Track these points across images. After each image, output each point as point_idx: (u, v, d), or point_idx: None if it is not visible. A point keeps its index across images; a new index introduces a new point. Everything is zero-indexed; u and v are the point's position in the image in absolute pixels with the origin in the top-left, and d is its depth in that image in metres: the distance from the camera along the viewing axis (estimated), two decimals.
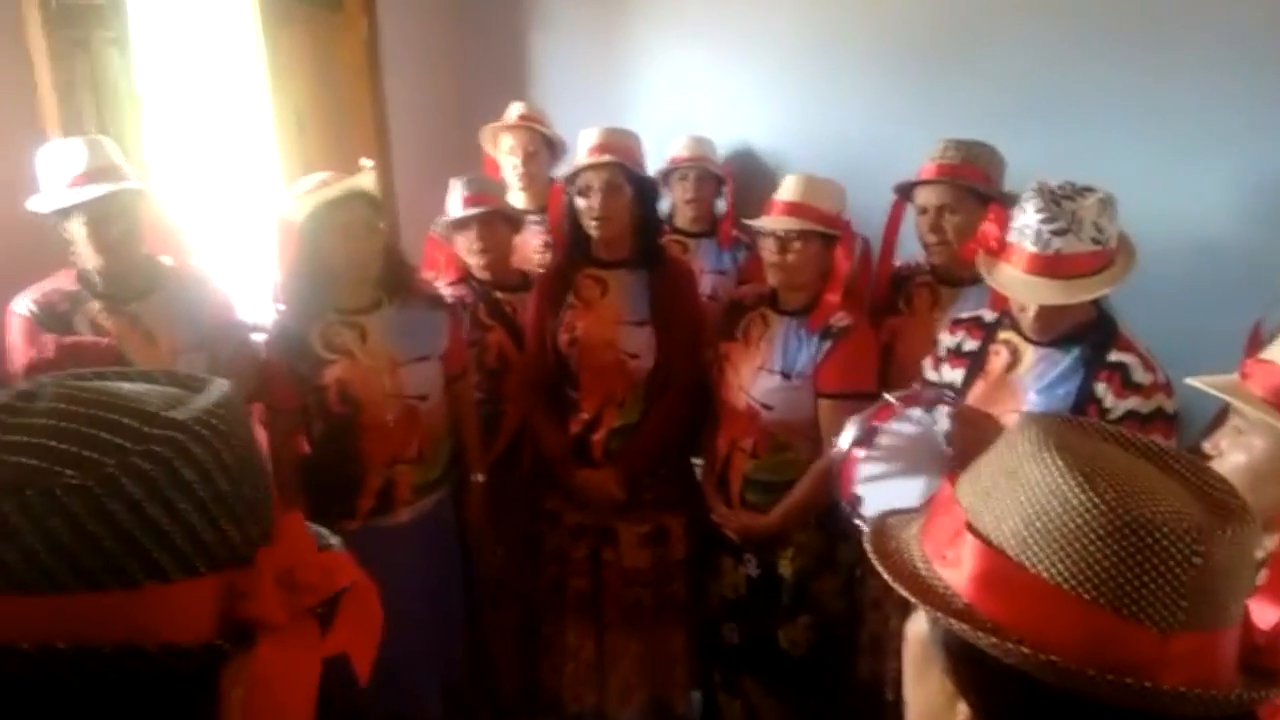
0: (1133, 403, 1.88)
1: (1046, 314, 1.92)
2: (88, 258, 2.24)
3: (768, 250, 2.38)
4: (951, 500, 0.76)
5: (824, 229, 2.33)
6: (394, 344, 2.42)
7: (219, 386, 0.71)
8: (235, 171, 3.42)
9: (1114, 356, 1.93)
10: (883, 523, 0.86)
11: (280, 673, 0.64)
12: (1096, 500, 0.66)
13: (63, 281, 2.29)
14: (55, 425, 0.61)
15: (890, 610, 2.40)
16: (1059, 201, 1.83)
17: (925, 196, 2.39)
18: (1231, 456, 1.40)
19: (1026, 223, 1.86)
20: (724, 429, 2.53)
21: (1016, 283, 1.90)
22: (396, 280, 2.48)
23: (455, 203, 2.75)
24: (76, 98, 2.65)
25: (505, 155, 3.21)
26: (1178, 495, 0.70)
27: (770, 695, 2.60)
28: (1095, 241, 1.84)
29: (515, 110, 3.27)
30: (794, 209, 2.33)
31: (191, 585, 0.62)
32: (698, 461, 2.73)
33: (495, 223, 2.75)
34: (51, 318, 2.22)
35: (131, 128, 2.79)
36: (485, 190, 2.79)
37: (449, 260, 2.89)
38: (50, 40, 2.54)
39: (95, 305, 2.27)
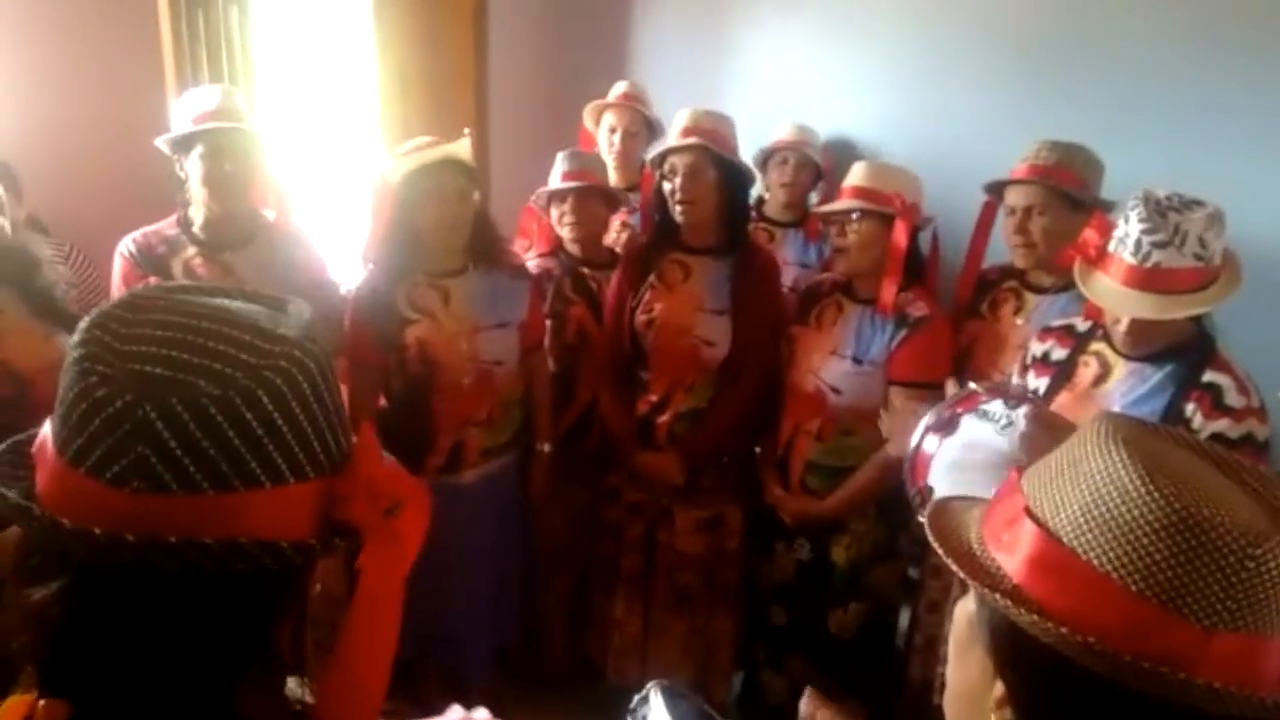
0: (1221, 425, 1.80)
1: (1139, 328, 1.85)
2: (196, 196, 2.35)
3: (832, 234, 2.40)
4: (1015, 487, 0.77)
5: (878, 208, 2.31)
6: (476, 309, 2.47)
7: (302, 306, 0.76)
8: (339, 132, 3.53)
9: (1208, 377, 1.84)
10: (946, 504, 0.87)
11: (386, 568, 0.71)
12: (1155, 494, 0.66)
13: (165, 225, 2.40)
14: (179, 338, 0.66)
15: (947, 615, 2.36)
16: (1164, 213, 1.76)
17: (1014, 197, 2.32)
18: None
19: (1128, 232, 1.79)
20: (789, 412, 2.52)
21: (1111, 294, 1.83)
22: (484, 248, 2.53)
23: (556, 174, 2.78)
24: (196, 53, 2.78)
25: (605, 132, 3.23)
26: (1242, 502, 0.70)
27: (817, 673, 2.57)
28: (1198, 257, 1.75)
29: (619, 89, 3.28)
30: (854, 192, 2.35)
31: (302, 489, 0.68)
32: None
33: (591, 198, 2.77)
34: (148, 260, 2.34)
35: (245, 84, 2.90)
36: (587, 166, 2.81)
37: (543, 231, 2.93)
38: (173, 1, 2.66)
39: (191, 251, 2.38)
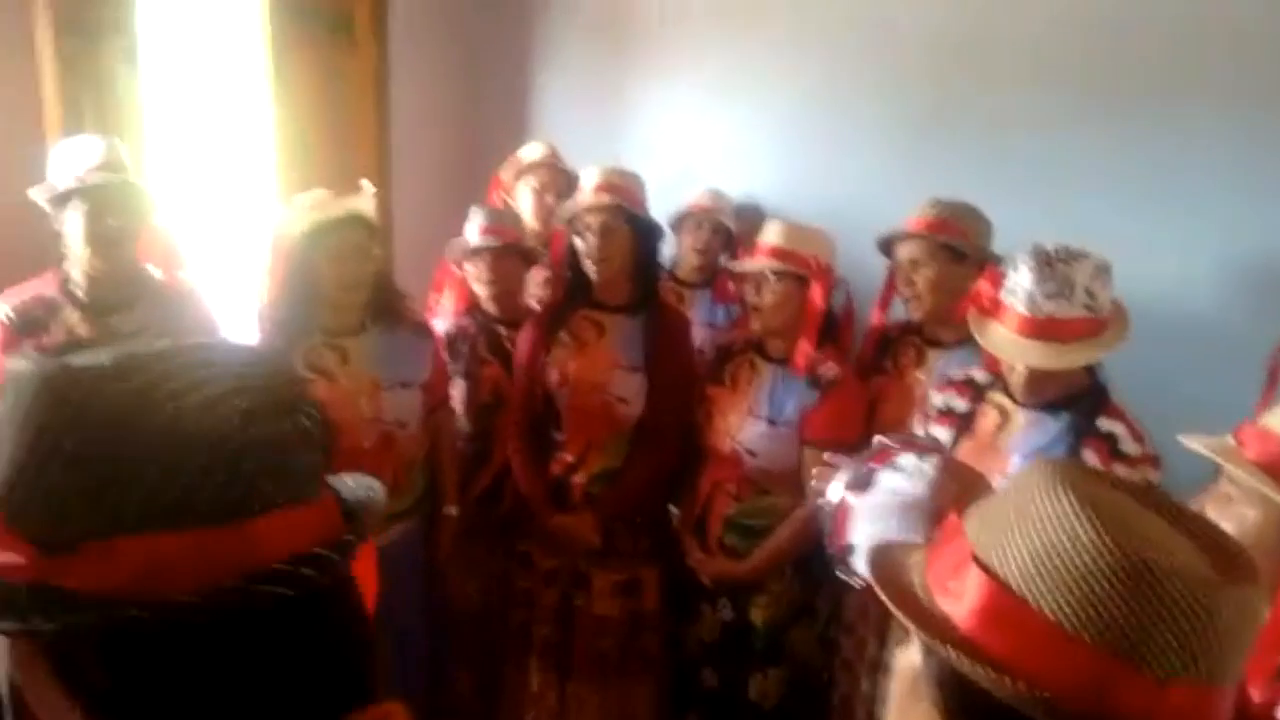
0: (1119, 473, 1.85)
1: (1035, 377, 1.90)
2: (77, 254, 2.22)
3: (748, 293, 2.42)
4: (958, 532, 0.75)
5: (795, 269, 2.33)
6: (376, 368, 2.39)
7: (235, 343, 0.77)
8: (235, 189, 3.42)
9: (1103, 425, 1.90)
10: (885, 552, 0.85)
11: (365, 563, 0.73)
12: (1109, 541, 0.65)
13: (44, 287, 2.26)
14: (199, 374, 0.65)
15: (861, 672, 2.35)
16: (1052, 264, 1.82)
17: (901, 252, 2.42)
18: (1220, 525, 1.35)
19: (1019, 283, 1.85)
20: (707, 472, 2.51)
21: (1006, 343, 1.88)
22: (384, 305, 2.46)
23: (472, 229, 2.72)
24: (80, 105, 2.66)
25: (530, 191, 3.18)
26: (1187, 547, 0.70)
27: None
28: (1087, 308, 1.82)
29: (539, 149, 3.26)
30: (771, 252, 2.37)
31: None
32: (676, 511, 2.67)
33: (508, 257, 2.71)
34: (27, 324, 2.20)
35: (134, 138, 2.79)
36: (504, 223, 2.75)
37: (457, 288, 2.86)
38: (57, 48, 2.56)
39: (74, 314, 2.24)
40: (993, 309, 1.93)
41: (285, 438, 0.63)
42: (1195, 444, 1.41)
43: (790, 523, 2.38)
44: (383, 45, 3.60)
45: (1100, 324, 1.85)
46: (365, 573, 0.73)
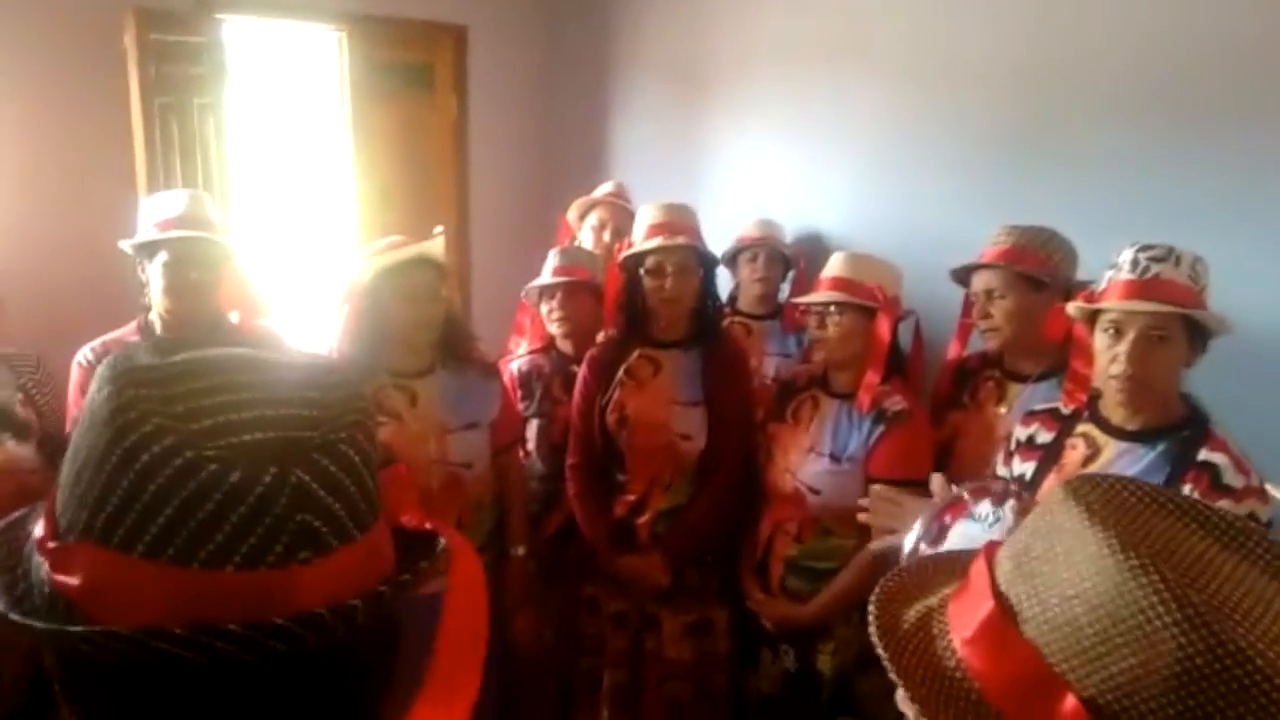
0: (1222, 507, 1.70)
1: (1136, 385, 1.75)
2: (157, 302, 2.31)
3: (811, 326, 2.35)
4: (1012, 635, 0.68)
5: (859, 300, 2.25)
6: (444, 409, 2.39)
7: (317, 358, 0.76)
8: (319, 238, 3.53)
9: (1204, 455, 1.75)
10: (895, 621, 0.79)
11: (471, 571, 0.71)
12: (1198, 642, 0.59)
13: (125, 332, 2.35)
14: (247, 399, 0.63)
15: None
16: (1154, 246, 1.76)
17: (976, 282, 2.31)
18: None
19: (1123, 259, 1.79)
20: (768, 512, 2.42)
21: (1115, 306, 1.78)
22: (453, 347, 2.47)
23: (547, 270, 2.75)
24: (169, 158, 2.79)
25: (592, 229, 3.21)
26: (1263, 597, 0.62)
27: None
28: (1192, 280, 1.74)
29: (606, 187, 3.30)
30: (834, 283, 2.31)
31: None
32: None
33: (579, 294, 2.72)
34: None
35: (219, 189, 2.91)
36: (577, 261, 2.78)
37: (535, 328, 2.89)
38: (146, 103, 2.69)
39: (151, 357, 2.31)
40: (1092, 298, 1.84)
41: (270, 489, 0.57)
42: None
43: (855, 564, 2.27)
44: (462, 97, 3.70)
45: (1203, 302, 1.76)
46: (467, 571, 0.71)
